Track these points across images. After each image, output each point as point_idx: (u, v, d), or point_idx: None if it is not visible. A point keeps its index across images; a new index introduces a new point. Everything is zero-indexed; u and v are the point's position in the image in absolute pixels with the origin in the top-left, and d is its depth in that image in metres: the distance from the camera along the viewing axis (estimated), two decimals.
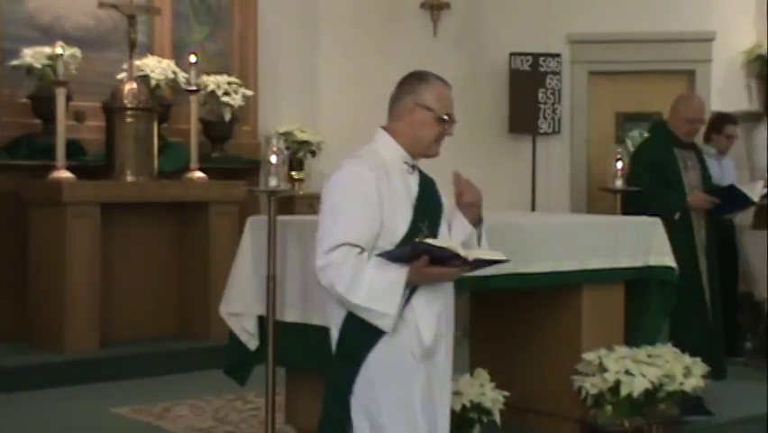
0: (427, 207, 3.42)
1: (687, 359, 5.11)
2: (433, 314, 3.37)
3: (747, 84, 9.05)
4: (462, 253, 3.22)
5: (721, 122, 7.70)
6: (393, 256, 3.26)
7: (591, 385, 4.93)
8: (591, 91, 8.91)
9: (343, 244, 3.22)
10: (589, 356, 5.04)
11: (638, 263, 5.38)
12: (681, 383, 4.99)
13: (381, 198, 3.29)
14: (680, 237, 5.84)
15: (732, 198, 6.02)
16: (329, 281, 3.24)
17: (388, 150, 3.44)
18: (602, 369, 4.95)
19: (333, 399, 3.37)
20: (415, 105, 3.41)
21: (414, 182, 3.45)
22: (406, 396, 3.32)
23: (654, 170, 6.01)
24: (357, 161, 3.36)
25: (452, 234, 3.48)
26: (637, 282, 5.44)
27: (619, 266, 5.30)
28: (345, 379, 3.33)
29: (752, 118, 8.48)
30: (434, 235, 3.39)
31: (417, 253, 3.22)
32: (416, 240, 3.27)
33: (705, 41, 8.87)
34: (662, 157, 6.02)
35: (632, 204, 6.00)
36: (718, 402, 5.74)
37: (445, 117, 3.43)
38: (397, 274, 3.24)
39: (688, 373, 5.03)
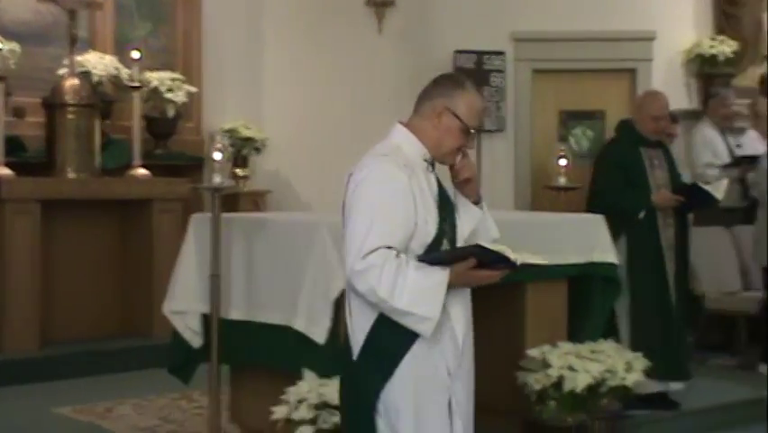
0: (446, 207, 3.31)
1: (628, 354, 5.17)
2: (463, 319, 3.31)
3: (687, 83, 9.19)
4: (512, 256, 3.18)
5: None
6: (442, 258, 3.16)
7: (535, 381, 4.97)
8: (535, 89, 8.98)
9: (381, 247, 3.09)
10: (532, 352, 5.08)
11: (582, 260, 5.43)
12: (623, 378, 5.04)
13: (414, 198, 3.18)
14: (645, 237, 5.88)
15: (696, 196, 6.01)
16: (369, 286, 3.09)
17: (411, 147, 3.31)
18: (546, 365, 4.98)
19: (358, 404, 3.23)
20: (445, 108, 3.29)
21: (433, 181, 3.32)
22: (434, 408, 3.24)
23: (620, 169, 5.97)
24: (385, 158, 3.23)
25: (462, 222, 3.37)
26: (581, 279, 5.49)
27: (563, 263, 5.34)
28: (374, 384, 3.18)
29: (691, 116, 8.61)
30: (455, 235, 3.31)
31: (465, 256, 3.15)
32: (477, 244, 3.19)
33: (646, 40, 8.98)
34: (628, 156, 5.99)
35: (597, 203, 6.02)
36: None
37: (471, 131, 3.32)
38: (441, 277, 3.12)
39: (629, 367, 5.09)
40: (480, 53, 8.76)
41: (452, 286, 3.13)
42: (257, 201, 8.48)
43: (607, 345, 5.20)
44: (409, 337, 3.17)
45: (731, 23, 9.29)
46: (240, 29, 8.77)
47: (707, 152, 8.08)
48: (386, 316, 3.15)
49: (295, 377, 4.34)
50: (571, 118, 9.06)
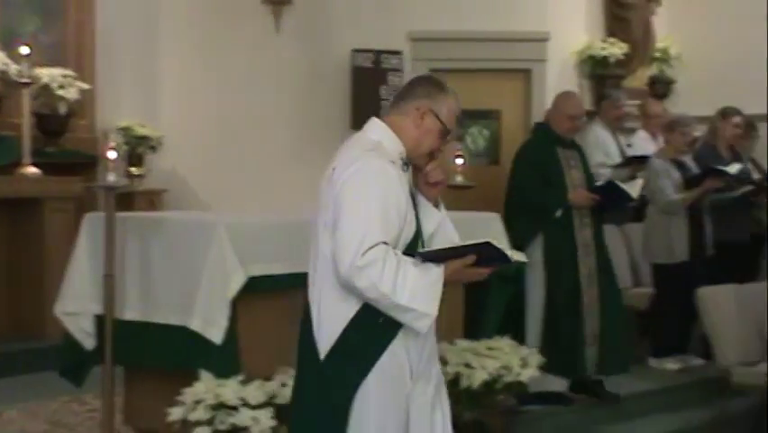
0: (416, 207, 3.31)
1: (524, 350, 5.25)
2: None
3: (579, 83, 9.37)
4: (509, 254, 3.21)
5: None
6: (436, 255, 3.16)
7: None
8: None
9: (380, 242, 3.07)
10: None
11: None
12: (518, 374, 5.13)
13: (404, 194, 3.19)
14: (561, 235, 5.96)
15: (612, 194, 6.09)
16: (370, 282, 3.05)
17: (391, 144, 3.27)
18: (443, 362, 5.01)
19: (325, 406, 3.18)
20: (429, 110, 3.29)
21: (406, 180, 3.28)
22: (395, 411, 3.20)
23: (536, 169, 6.03)
24: (373, 153, 3.20)
25: (424, 223, 3.34)
26: None
27: None
28: (352, 378, 3.14)
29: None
30: (422, 235, 3.29)
31: (462, 253, 3.15)
32: (488, 241, 3.16)
33: (540, 41, 9.13)
34: (544, 156, 6.05)
35: (514, 201, 6.08)
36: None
37: (447, 135, 3.34)
38: (438, 274, 3.12)
39: (524, 363, 5.17)
40: (378, 52, 8.80)
41: (445, 283, 3.13)
42: (153, 200, 8.36)
43: (503, 342, 5.28)
44: (387, 338, 3.15)
45: (621, 25, 9.51)
46: (135, 25, 8.62)
47: (599, 152, 8.24)
48: (360, 316, 3.13)
49: (191, 378, 4.30)
50: (467, 117, 9.15)
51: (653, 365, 7.12)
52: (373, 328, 3.14)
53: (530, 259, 5.77)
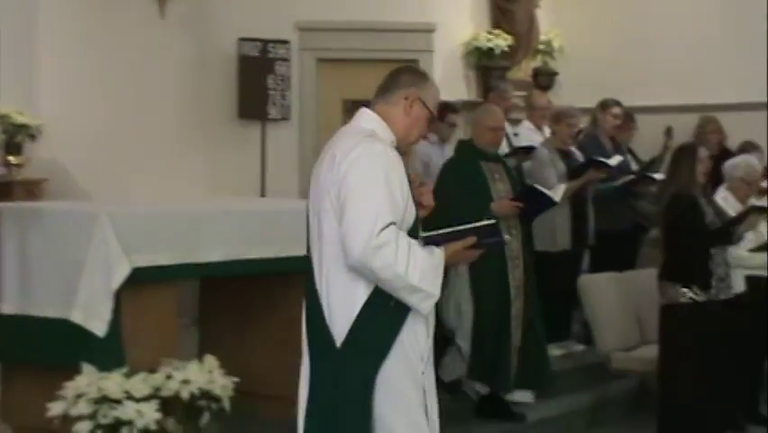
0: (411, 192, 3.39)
1: None
2: None
3: (466, 74, 9.48)
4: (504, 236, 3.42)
5: (443, 110, 8.02)
6: (448, 237, 3.29)
7: None
8: (320, 78, 9.04)
9: (391, 224, 3.14)
10: None
11: None
12: None
13: (405, 178, 3.28)
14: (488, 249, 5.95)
15: (535, 199, 6.08)
16: (386, 262, 3.10)
17: (384, 133, 3.34)
18: None
19: (348, 391, 3.20)
20: (417, 98, 3.38)
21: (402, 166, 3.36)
22: (414, 391, 3.27)
23: (460, 183, 6.01)
24: (373, 139, 3.27)
25: None
26: None
27: None
28: (373, 363, 3.18)
29: (471, 107, 8.87)
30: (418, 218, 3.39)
31: (463, 235, 3.31)
32: (489, 222, 3.41)
33: (426, 32, 9.20)
34: (469, 170, 6.05)
35: (438, 217, 6.06)
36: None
37: (433, 122, 3.45)
38: (440, 255, 3.24)
39: None
40: (265, 41, 8.73)
41: (445, 265, 3.25)
42: (32, 190, 8.12)
43: None
44: (400, 320, 3.21)
45: (506, 17, 9.65)
46: (13, 10, 8.36)
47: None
48: (373, 300, 3.17)
49: (73, 372, 4.21)
50: (355, 108, 9.09)
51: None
52: (387, 311, 3.20)
53: (458, 271, 5.80)
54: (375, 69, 9.17)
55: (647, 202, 7.86)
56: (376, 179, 3.18)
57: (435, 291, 3.22)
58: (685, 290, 6.11)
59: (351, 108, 9.11)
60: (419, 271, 3.16)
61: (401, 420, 3.23)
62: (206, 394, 4.39)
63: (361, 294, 3.20)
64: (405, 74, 3.48)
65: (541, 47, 9.82)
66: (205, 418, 4.39)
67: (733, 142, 8.48)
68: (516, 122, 8.81)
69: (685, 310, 6.08)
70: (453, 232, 3.34)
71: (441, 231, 3.34)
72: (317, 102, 9.03)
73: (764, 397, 7.04)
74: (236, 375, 4.58)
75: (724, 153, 7.94)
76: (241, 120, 8.75)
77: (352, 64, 9.06)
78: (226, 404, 4.46)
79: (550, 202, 6.19)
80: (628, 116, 8.54)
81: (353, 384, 3.20)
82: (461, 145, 6.41)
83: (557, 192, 6.25)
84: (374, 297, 3.19)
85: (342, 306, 3.21)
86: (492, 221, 3.46)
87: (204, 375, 4.42)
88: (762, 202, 6.60)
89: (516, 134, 8.62)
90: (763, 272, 6.74)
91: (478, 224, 3.39)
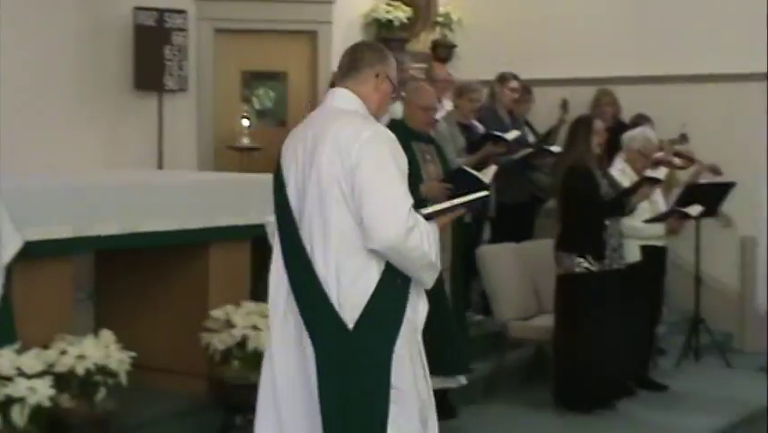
0: None
1: None
2: None
3: None
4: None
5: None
6: (444, 212, 3.50)
7: (219, 341, 4.98)
8: (218, 49, 8.91)
9: (410, 204, 3.29)
10: (216, 313, 5.08)
11: (265, 220, 5.47)
12: None
13: None
14: None
15: (464, 181, 5.90)
16: (417, 241, 3.25)
17: (364, 112, 3.45)
18: (230, 325, 5.00)
19: (371, 364, 3.29)
20: (386, 76, 3.48)
21: None
22: (418, 359, 3.44)
23: None
24: (369, 120, 3.38)
25: None
26: (264, 238, 5.53)
27: (246, 223, 5.36)
28: (387, 341, 3.29)
29: None
30: None
31: (456, 207, 3.51)
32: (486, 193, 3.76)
33: (325, 3, 9.14)
34: None
35: None
36: None
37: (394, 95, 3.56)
38: (436, 231, 3.40)
39: None
40: (161, 11, 8.56)
41: None
42: None
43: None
44: (405, 298, 3.35)
45: None
46: None
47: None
48: (384, 282, 3.28)
49: None
50: (253, 79, 9.08)
51: None
52: (395, 291, 3.32)
53: None
54: (274, 40, 9.13)
55: (544, 174, 7.98)
56: (390, 163, 3.31)
57: (440, 265, 3.42)
58: (580, 259, 6.24)
59: (249, 80, 9.03)
60: (435, 248, 3.34)
61: (413, 394, 3.37)
62: (102, 369, 4.32)
63: (374, 276, 3.30)
64: (370, 51, 3.55)
65: (439, 19, 9.86)
66: (102, 393, 4.32)
67: (628, 115, 8.65)
68: None
69: (580, 280, 6.22)
70: (450, 207, 3.53)
71: (439, 206, 3.53)
72: (215, 73, 8.90)
73: (655, 363, 7.25)
74: (134, 350, 4.51)
75: (618, 126, 8.10)
76: (137, 91, 8.58)
77: (251, 35, 8.96)
78: (123, 379, 4.39)
79: (479, 183, 6.16)
80: (525, 89, 8.64)
81: (372, 364, 3.30)
82: (393, 126, 6.34)
83: (487, 174, 6.25)
84: (385, 277, 3.31)
85: (354, 289, 3.29)
86: (486, 193, 3.72)
87: (100, 350, 4.35)
88: (656, 173, 6.76)
89: None
90: (657, 242, 6.92)
91: (473, 196, 3.60)
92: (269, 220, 3.62)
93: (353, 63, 3.51)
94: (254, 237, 5.45)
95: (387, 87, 3.52)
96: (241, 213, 5.34)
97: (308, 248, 3.34)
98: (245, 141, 7.63)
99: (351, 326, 3.29)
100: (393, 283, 3.32)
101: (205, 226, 5.17)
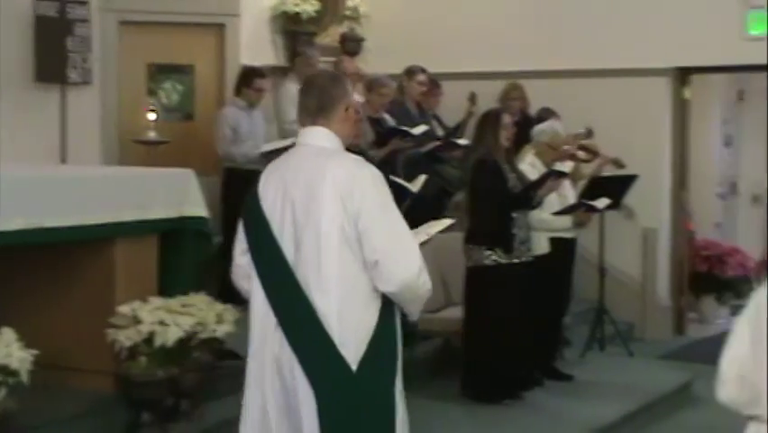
0: None
1: (219, 306, 5.24)
2: None
3: (273, 39, 9.39)
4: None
5: (250, 75, 7.95)
6: None
7: (126, 338, 4.90)
8: (122, 41, 8.75)
9: None
10: (123, 309, 5.00)
11: (172, 215, 5.41)
12: (214, 330, 5.12)
13: None
14: None
15: (393, 191, 6.01)
16: (426, 276, 3.41)
17: (341, 148, 3.56)
18: (137, 321, 4.93)
19: (377, 403, 3.38)
20: (349, 107, 3.58)
21: None
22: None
23: None
24: (355, 158, 3.50)
25: None
26: (171, 233, 5.47)
27: (152, 218, 5.29)
28: (390, 378, 3.44)
29: (278, 73, 8.83)
30: None
31: None
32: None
33: None
34: None
35: None
36: (245, 345, 5.91)
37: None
38: None
39: (220, 319, 5.17)
40: (63, 1, 8.37)
41: None
42: None
43: (198, 299, 5.24)
44: (397, 331, 3.47)
45: None
46: None
47: (294, 109, 8.30)
48: (383, 319, 3.37)
49: None
50: (160, 72, 8.94)
51: None
52: (392, 327, 3.42)
53: None
54: (180, 33, 9.01)
55: (452, 167, 8.05)
56: (391, 202, 3.45)
57: None
58: (489, 252, 6.30)
59: (155, 73, 8.88)
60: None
61: (407, 428, 3.52)
62: (3, 369, 4.21)
63: (375, 314, 3.38)
64: (334, 88, 3.60)
65: (348, 13, 9.85)
66: (2, 392, 4.21)
67: (534, 109, 8.77)
68: None
69: (489, 272, 6.28)
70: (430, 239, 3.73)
71: (425, 238, 3.68)
72: (120, 66, 8.74)
73: (561, 354, 7.37)
74: (39, 348, 4.41)
75: (525, 120, 8.20)
76: (39, 84, 8.38)
77: (157, 27, 8.82)
78: (25, 378, 4.29)
79: (408, 193, 6.17)
80: (434, 83, 8.69)
81: (379, 405, 3.39)
82: None
83: (416, 183, 6.24)
84: (383, 314, 3.40)
85: (358, 329, 3.35)
86: (452, 221, 3.97)
87: (0, 349, 4.24)
88: (561, 167, 6.85)
89: None
90: (565, 234, 7.03)
91: (442, 226, 3.81)
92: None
93: (323, 105, 3.58)
94: (161, 232, 5.39)
95: (353, 113, 3.63)
96: (147, 207, 5.27)
97: (305, 290, 3.37)
98: (152, 134, 7.51)
99: (354, 367, 3.34)
100: (390, 320, 3.42)
101: (111, 221, 5.09)
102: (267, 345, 3.43)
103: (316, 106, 3.57)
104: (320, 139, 3.55)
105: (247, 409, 3.52)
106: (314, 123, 3.57)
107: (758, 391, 3.16)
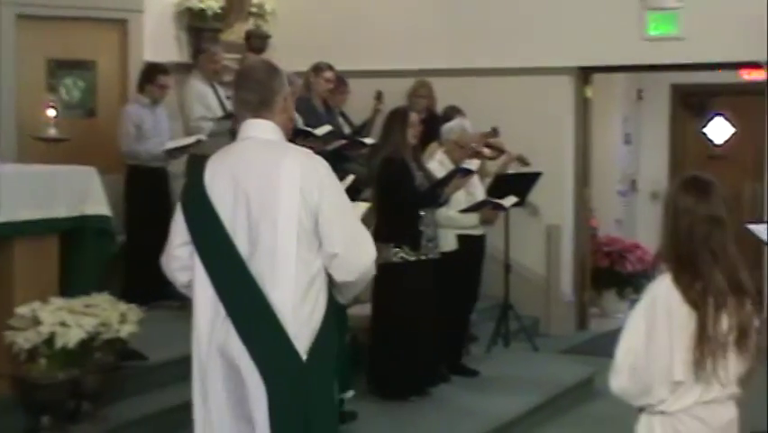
0: None
1: (122, 306, 5.15)
2: None
3: (177, 36, 9.28)
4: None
5: (153, 72, 7.85)
6: None
7: (25, 340, 4.78)
8: (20, 36, 8.52)
9: None
10: (22, 310, 4.88)
11: (73, 213, 5.31)
12: (118, 330, 5.03)
13: None
14: None
15: None
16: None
17: (283, 139, 3.59)
18: (36, 322, 4.82)
19: (324, 388, 3.43)
20: (287, 97, 3.60)
21: None
22: None
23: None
24: (302, 150, 3.56)
25: None
26: (73, 232, 5.36)
27: (53, 216, 5.18)
28: (331, 365, 3.49)
29: (182, 69, 8.72)
30: None
31: None
32: None
33: None
34: None
35: None
36: (151, 345, 5.84)
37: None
38: None
39: (124, 319, 5.08)
40: None
41: None
42: None
43: (101, 299, 5.15)
44: (332, 320, 3.47)
45: None
46: None
47: (199, 106, 8.24)
48: (328, 308, 3.42)
49: None
50: (60, 67, 8.74)
51: None
52: (331, 317, 3.44)
53: None
54: (82, 28, 8.82)
55: (358, 165, 8.05)
56: (345, 195, 3.56)
57: None
58: (397, 249, 6.33)
59: (54, 69, 8.68)
60: None
61: None
62: None
63: (323, 304, 3.41)
64: (272, 80, 3.58)
65: (253, 9, 9.78)
66: None
67: (441, 107, 8.83)
68: (229, 84, 8.74)
69: (397, 269, 6.30)
70: None
71: None
72: (18, 61, 8.52)
73: (467, 350, 7.44)
74: None
75: (432, 118, 8.25)
76: None
77: (57, 22, 8.61)
78: None
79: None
80: (341, 80, 8.68)
81: (325, 391, 3.43)
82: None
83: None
84: (328, 304, 3.45)
85: (309, 321, 3.38)
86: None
87: None
88: (468, 165, 6.91)
89: (228, 98, 8.56)
90: (473, 231, 7.09)
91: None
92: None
93: (264, 99, 3.55)
94: (63, 231, 5.27)
95: (290, 103, 3.67)
96: (47, 206, 5.15)
97: (260, 284, 3.35)
98: (52, 132, 7.32)
99: (305, 357, 3.35)
100: (330, 309, 3.45)
101: (8, 220, 4.96)
102: (213, 335, 3.39)
103: (258, 101, 3.54)
104: (265, 132, 3.54)
105: (194, 401, 3.48)
106: (256, 116, 3.55)
107: (650, 382, 3.24)
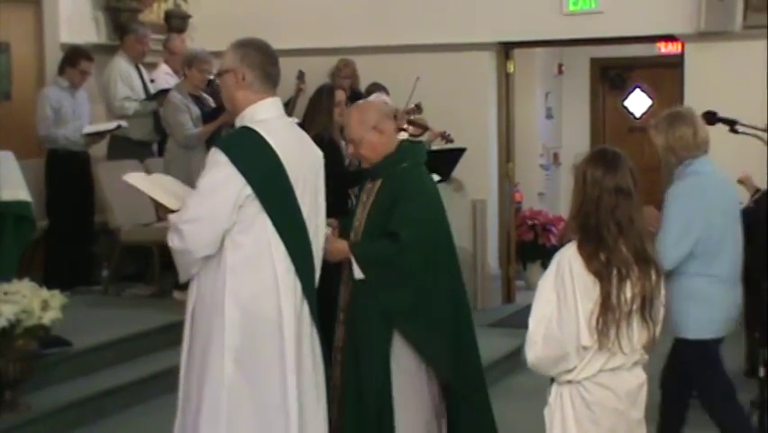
0: None
1: (44, 292, 5.07)
2: None
3: (94, 16, 9.09)
4: None
5: (77, 56, 7.76)
6: None
7: None
8: None
9: None
10: None
11: None
12: (40, 317, 4.96)
13: None
14: None
15: None
16: None
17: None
18: None
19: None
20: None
21: None
22: None
23: None
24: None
25: None
26: None
27: None
28: None
29: (100, 50, 8.57)
30: None
31: None
32: None
33: None
34: None
35: None
36: (75, 331, 5.77)
37: None
38: None
39: (46, 306, 5.00)
40: None
41: None
42: None
43: (21, 285, 5.06)
44: None
45: None
46: None
47: (124, 87, 8.15)
48: None
49: None
50: None
51: (178, 298, 7.21)
52: None
53: None
54: None
55: None
56: None
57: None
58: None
59: None
60: None
61: None
62: None
63: None
64: (249, 53, 3.84)
65: None
66: None
67: (364, 85, 8.82)
68: (152, 65, 8.65)
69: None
70: None
71: None
72: None
73: None
74: None
75: (355, 95, 8.23)
76: None
77: None
78: None
79: None
80: None
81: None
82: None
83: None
84: None
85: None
86: None
87: None
88: None
89: (152, 80, 8.46)
90: None
91: None
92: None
93: (267, 74, 3.80)
94: None
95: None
96: None
97: (315, 260, 3.77)
98: None
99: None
100: None
101: None
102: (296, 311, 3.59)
103: (278, 76, 3.76)
104: (282, 111, 3.81)
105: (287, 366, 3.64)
106: (274, 93, 3.71)
107: (564, 348, 3.31)
